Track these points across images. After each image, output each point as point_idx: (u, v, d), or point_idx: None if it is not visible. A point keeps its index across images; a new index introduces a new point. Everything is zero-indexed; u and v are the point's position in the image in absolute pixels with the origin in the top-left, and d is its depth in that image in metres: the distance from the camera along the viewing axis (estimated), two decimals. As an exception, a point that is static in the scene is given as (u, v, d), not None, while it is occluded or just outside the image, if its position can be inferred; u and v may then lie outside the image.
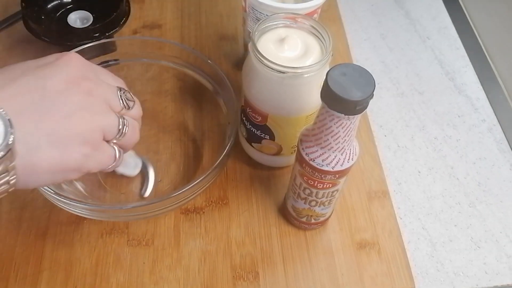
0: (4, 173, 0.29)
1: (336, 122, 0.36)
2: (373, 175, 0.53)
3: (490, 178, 0.56)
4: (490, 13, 0.71)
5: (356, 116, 0.35)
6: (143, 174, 0.51)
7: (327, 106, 0.35)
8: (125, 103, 0.37)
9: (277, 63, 0.39)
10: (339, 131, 0.36)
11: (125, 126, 0.37)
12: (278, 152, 0.49)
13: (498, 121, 0.61)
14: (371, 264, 0.47)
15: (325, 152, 0.38)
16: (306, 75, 0.40)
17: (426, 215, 0.53)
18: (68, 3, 0.61)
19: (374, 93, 0.34)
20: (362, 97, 0.33)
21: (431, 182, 0.56)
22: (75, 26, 0.59)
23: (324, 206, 0.45)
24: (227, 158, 0.45)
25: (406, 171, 0.56)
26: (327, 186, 0.41)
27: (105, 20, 0.56)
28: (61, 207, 0.43)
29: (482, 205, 0.54)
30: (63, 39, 0.56)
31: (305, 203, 0.44)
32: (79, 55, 0.35)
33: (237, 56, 0.63)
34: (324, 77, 0.34)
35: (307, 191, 0.43)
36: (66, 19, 0.59)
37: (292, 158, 0.45)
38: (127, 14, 0.60)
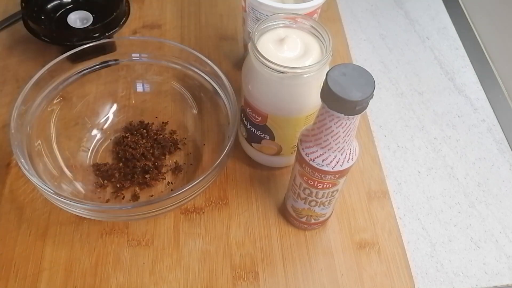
0: None
1: (336, 122, 0.36)
2: (372, 175, 0.53)
3: (489, 178, 0.56)
4: (490, 13, 0.71)
5: (356, 116, 0.35)
6: None
7: (327, 106, 0.35)
8: None
9: (277, 63, 0.39)
10: (339, 131, 0.36)
11: None
12: (278, 152, 0.49)
13: (498, 121, 0.61)
14: (370, 264, 0.47)
15: (325, 152, 0.39)
16: (305, 75, 0.40)
17: (425, 215, 0.53)
18: (68, 3, 0.61)
19: (373, 93, 0.34)
20: (362, 97, 0.33)
21: (430, 182, 0.56)
22: (75, 26, 0.59)
23: (324, 206, 0.45)
24: (227, 158, 0.45)
25: (406, 171, 0.56)
26: (327, 186, 0.41)
27: (105, 20, 0.56)
28: (61, 207, 0.43)
29: (481, 205, 0.54)
30: (63, 39, 0.56)
31: (305, 203, 0.44)
32: None
33: (237, 56, 0.63)
34: (324, 77, 0.34)
35: (307, 191, 0.43)
36: (66, 19, 0.59)
37: (292, 158, 0.45)
38: (127, 14, 0.60)
